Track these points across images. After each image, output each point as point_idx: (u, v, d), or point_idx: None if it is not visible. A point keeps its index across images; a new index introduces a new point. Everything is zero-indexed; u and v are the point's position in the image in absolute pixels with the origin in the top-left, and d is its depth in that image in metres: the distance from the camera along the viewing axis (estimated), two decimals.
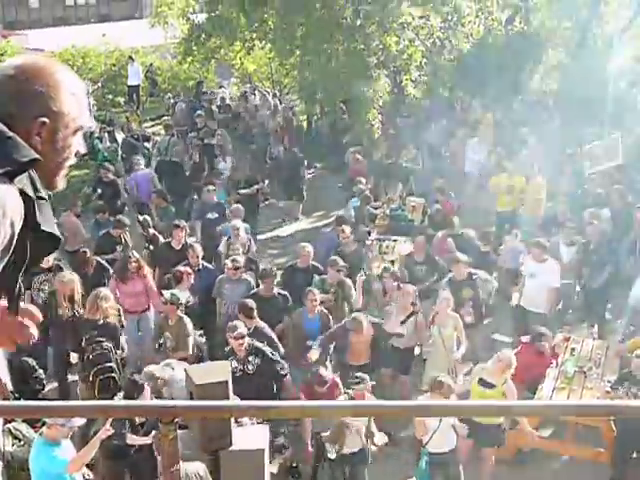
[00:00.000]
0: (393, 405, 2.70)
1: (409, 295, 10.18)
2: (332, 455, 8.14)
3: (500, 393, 8.41)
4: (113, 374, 8.99)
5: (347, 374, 9.05)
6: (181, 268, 10.60)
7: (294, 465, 9.15)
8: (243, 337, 8.70)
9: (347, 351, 9.50)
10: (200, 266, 11.01)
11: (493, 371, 8.55)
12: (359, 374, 8.39)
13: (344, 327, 9.53)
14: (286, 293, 10.53)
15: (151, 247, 12.43)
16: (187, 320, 9.82)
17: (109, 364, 8.99)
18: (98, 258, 11.45)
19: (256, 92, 24.51)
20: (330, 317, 10.07)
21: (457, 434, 8.20)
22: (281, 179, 18.05)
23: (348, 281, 10.80)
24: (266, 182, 18.22)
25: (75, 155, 2.09)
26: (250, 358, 8.74)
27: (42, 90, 1.94)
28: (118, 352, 9.20)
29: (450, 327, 9.86)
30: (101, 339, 9.05)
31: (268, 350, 8.94)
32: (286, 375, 9.06)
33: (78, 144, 2.08)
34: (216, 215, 13.49)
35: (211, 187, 13.97)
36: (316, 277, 10.94)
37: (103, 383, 8.98)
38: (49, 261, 10.42)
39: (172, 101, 23.69)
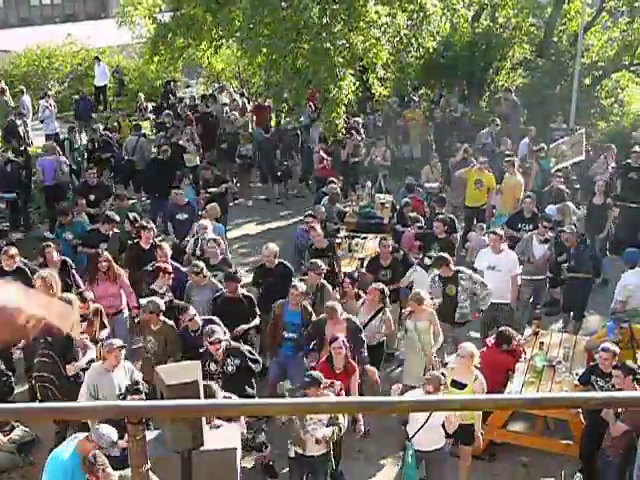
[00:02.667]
0: (364, 401, 2.72)
1: (377, 292, 10.22)
2: (291, 454, 8.20)
3: (472, 391, 8.48)
4: (50, 385, 8.88)
5: None
6: (160, 264, 10.61)
7: (270, 463, 9.15)
8: (220, 342, 8.75)
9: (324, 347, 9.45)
10: (169, 265, 10.99)
11: (460, 369, 8.63)
12: (311, 373, 8.37)
13: (319, 320, 9.62)
14: (251, 295, 10.56)
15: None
16: (172, 324, 9.73)
17: (47, 375, 8.89)
18: (64, 257, 11.27)
19: (224, 91, 24.46)
20: (312, 313, 10.12)
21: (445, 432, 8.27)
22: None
23: (328, 286, 10.85)
24: (235, 181, 18.26)
25: None
26: (228, 360, 8.79)
27: None
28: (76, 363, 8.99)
29: (425, 321, 9.86)
30: (47, 347, 8.95)
31: (246, 349, 9.01)
32: (260, 370, 9.22)
33: None
34: (185, 216, 13.53)
35: (179, 190, 14.15)
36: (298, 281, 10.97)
37: (43, 390, 8.95)
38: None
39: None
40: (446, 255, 11.03)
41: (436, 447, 8.23)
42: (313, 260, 11.02)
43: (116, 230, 12.33)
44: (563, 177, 15.61)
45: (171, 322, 9.71)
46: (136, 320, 10.57)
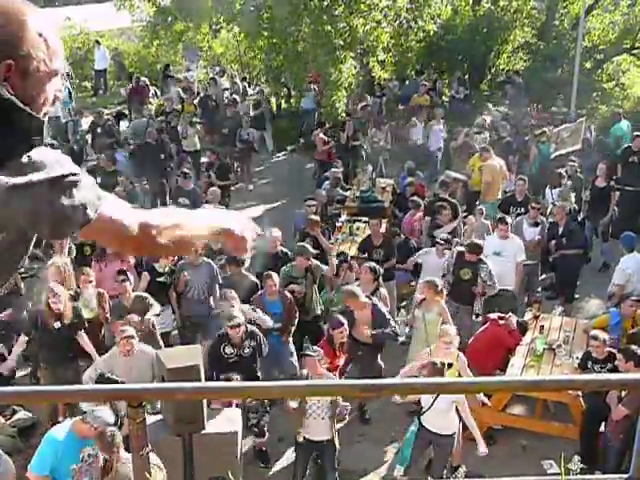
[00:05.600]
0: (355, 384, 2.73)
1: (368, 271, 10.21)
2: (299, 439, 8.15)
3: (457, 369, 8.53)
4: None
5: (355, 350, 9.33)
6: None
7: (264, 449, 9.16)
8: (239, 326, 8.75)
9: (353, 326, 9.39)
10: None
11: (442, 352, 8.60)
12: (314, 347, 8.47)
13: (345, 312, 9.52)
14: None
15: None
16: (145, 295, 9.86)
17: None
18: None
19: (225, 75, 24.40)
20: (291, 299, 10.07)
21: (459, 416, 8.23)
22: None
23: (315, 262, 10.77)
24: (235, 165, 18.23)
25: (53, 102, 2.01)
26: (246, 342, 8.79)
27: (6, 32, 1.84)
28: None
29: (434, 313, 9.75)
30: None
31: (260, 333, 9.01)
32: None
33: (55, 90, 1.98)
34: (187, 201, 13.48)
35: (187, 173, 14.35)
36: (285, 266, 10.84)
37: None
38: None
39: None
40: (481, 243, 11.03)
41: (446, 433, 8.16)
42: (300, 244, 11.03)
43: None
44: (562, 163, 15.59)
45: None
46: None
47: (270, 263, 10.76)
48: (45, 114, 1.98)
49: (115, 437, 6.24)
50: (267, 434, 9.08)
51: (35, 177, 1.78)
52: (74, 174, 1.86)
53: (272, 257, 10.96)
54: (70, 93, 21.60)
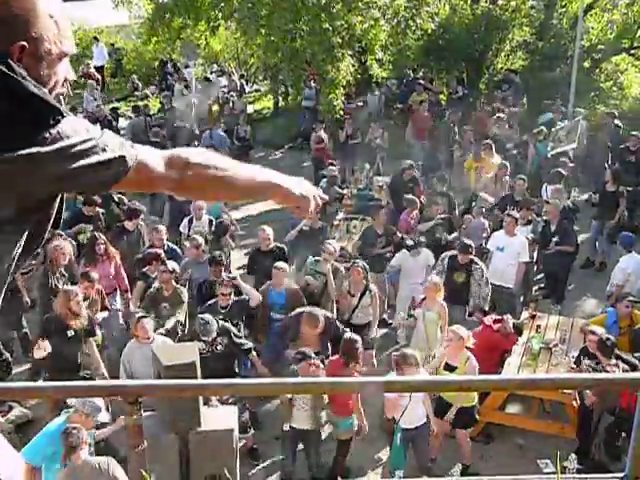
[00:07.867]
0: (347, 382, 2.73)
1: (360, 271, 10.22)
2: (285, 428, 8.37)
3: (462, 373, 8.50)
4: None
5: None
6: (151, 250, 10.67)
7: (254, 447, 9.16)
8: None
9: (298, 340, 9.27)
10: (165, 247, 11.01)
11: (451, 352, 8.62)
12: (302, 349, 8.36)
13: (298, 319, 9.33)
14: (236, 276, 10.51)
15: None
16: (182, 289, 10.07)
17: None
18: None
19: (223, 73, 24.39)
20: (298, 293, 10.05)
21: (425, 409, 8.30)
22: None
23: (342, 268, 10.75)
24: None
25: (64, 83, 1.99)
26: (218, 339, 8.76)
27: (18, 14, 1.82)
28: None
29: (434, 313, 9.76)
30: None
31: (233, 329, 8.99)
32: (250, 351, 9.15)
33: (66, 71, 1.98)
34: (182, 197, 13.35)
35: None
36: (311, 258, 10.82)
37: None
38: None
39: None
40: (471, 242, 11.01)
41: (420, 423, 8.22)
42: (327, 244, 10.90)
43: (101, 211, 12.21)
44: (562, 161, 15.56)
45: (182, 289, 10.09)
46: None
47: (265, 260, 10.76)
48: (57, 95, 1.98)
49: (79, 431, 6.30)
50: (252, 430, 9.09)
51: (65, 142, 1.81)
52: (101, 131, 1.93)
53: (267, 253, 10.96)
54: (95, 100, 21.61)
